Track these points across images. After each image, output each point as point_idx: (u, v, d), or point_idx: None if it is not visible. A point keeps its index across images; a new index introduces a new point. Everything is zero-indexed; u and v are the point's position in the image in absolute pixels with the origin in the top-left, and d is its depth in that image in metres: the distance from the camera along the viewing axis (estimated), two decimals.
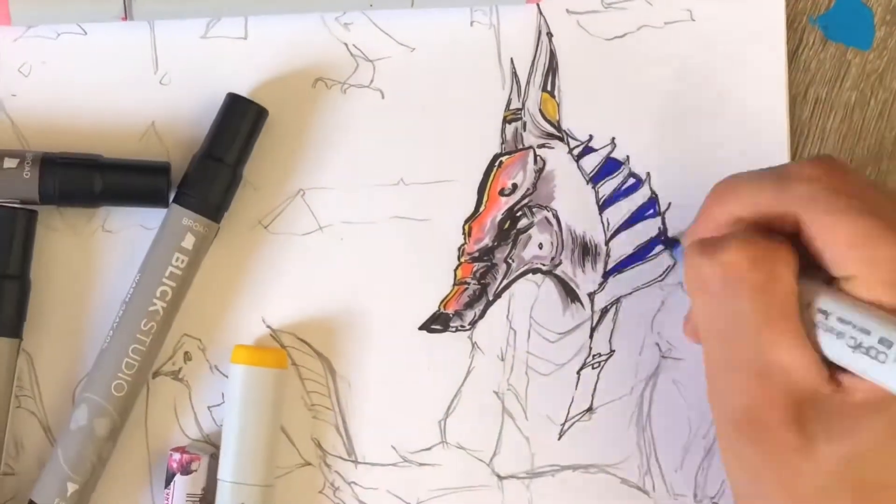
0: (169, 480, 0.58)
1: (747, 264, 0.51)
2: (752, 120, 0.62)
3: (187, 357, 0.60)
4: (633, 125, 0.62)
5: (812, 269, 0.51)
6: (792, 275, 0.51)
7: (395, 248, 0.61)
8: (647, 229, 0.62)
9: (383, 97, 0.61)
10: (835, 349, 0.50)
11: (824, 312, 0.50)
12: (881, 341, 0.49)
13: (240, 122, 0.59)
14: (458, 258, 0.61)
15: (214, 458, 0.59)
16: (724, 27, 0.62)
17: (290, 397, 0.60)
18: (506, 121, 0.61)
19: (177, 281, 0.58)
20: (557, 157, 0.62)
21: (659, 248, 0.62)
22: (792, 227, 0.52)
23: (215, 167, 0.58)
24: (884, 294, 0.49)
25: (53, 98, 0.60)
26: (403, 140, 0.61)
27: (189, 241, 0.58)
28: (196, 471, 0.58)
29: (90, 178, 0.58)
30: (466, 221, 0.61)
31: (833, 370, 0.51)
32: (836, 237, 0.50)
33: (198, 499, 0.58)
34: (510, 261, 0.61)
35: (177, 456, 0.58)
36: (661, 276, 0.62)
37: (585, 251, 0.62)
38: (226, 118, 0.59)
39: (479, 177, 0.61)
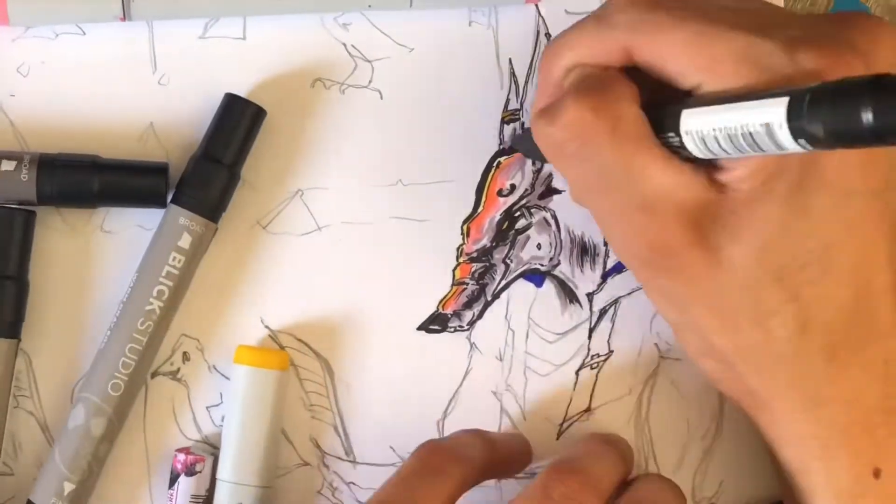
0: (173, 481, 0.58)
1: (590, 116, 0.50)
2: None
3: (186, 357, 0.60)
4: None
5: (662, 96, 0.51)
6: (634, 104, 0.51)
7: (394, 249, 0.61)
8: None
9: (382, 97, 0.61)
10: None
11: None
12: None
13: (237, 122, 0.59)
14: (457, 258, 0.61)
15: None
16: None
17: (289, 397, 0.60)
18: (504, 121, 0.61)
19: (174, 280, 0.58)
20: None
21: None
22: (626, 60, 0.52)
23: (213, 167, 0.58)
24: (734, 85, 0.49)
25: (52, 98, 0.60)
26: (402, 140, 0.61)
27: (186, 241, 0.58)
28: (200, 472, 0.58)
29: (88, 179, 0.58)
30: (465, 222, 0.61)
31: (710, 173, 0.50)
32: (670, 52, 0.50)
33: (202, 500, 0.58)
34: (508, 261, 0.61)
35: (181, 457, 0.58)
36: None
37: (584, 252, 0.62)
38: (223, 118, 0.59)
39: (478, 177, 0.61)
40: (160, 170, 0.58)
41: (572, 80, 0.53)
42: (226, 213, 0.60)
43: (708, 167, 0.51)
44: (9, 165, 0.57)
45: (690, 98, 0.50)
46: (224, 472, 0.58)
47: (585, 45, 0.53)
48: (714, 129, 0.47)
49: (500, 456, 0.57)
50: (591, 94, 0.51)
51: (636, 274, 0.54)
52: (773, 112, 0.44)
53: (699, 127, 0.48)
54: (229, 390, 0.59)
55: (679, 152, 0.50)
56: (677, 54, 0.50)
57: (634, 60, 0.52)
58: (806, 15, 0.58)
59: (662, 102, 0.51)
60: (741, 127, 0.46)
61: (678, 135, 0.49)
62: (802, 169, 0.49)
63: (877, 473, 0.51)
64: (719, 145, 0.48)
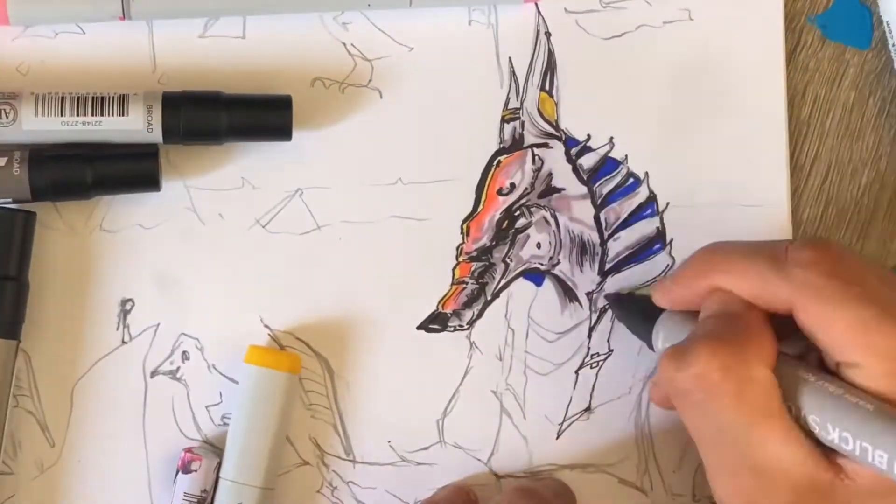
0: (175, 478, 0.58)
1: (718, 375, 0.50)
2: (751, 119, 0.62)
3: (185, 356, 0.60)
4: (631, 124, 0.62)
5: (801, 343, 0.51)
6: (768, 369, 0.50)
7: (394, 248, 0.61)
8: (645, 229, 0.62)
9: (381, 97, 0.61)
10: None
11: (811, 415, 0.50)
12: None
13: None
14: (457, 258, 0.61)
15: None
16: (723, 27, 0.62)
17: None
18: (504, 120, 0.61)
19: None
20: (555, 157, 0.62)
21: (658, 247, 0.62)
22: (783, 309, 0.51)
23: None
24: (886, 385, 0.49)
25: None
26: (401, 139, 0.61)
27: None
28: (196, 471, 0.58)
29: (81, 170, 0.58)
30: (464, 221, 0.61)
31: (831, 456, 0.50)
32: (834, 326, 0.49)
33: (196, 500, 0.58)
34: (508, 260, 0.61)
35: (182, 454, 0.58)
36: (659, 275, 0.62)
37: (584, 251, 0.62)
38: None
39: (478, 176, 0.61)
40: (151, 154, 0.58)
41: (713, 312, 0.52)
42: (226, 213, 0.60)
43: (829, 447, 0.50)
44: (0, 162, 0.57)
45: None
46: (227, 471, 0.58)
47: (750, 281, 0.52)
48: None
49: None
50: (724, 349, 0.50)
51: None
52: None
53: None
54: (237, 389, 0.59)
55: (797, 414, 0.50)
56: (839, 333, 0.50)
57: (793, 316, 0.51)
58: None
59: (798, 361, 0.51)
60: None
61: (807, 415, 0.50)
62: None
63: None
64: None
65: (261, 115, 0.59)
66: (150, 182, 0.58)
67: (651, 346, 0.57)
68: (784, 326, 0.52)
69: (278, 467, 0.59)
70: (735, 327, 0.51)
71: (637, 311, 0.58)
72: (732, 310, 0.52)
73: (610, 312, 0.61)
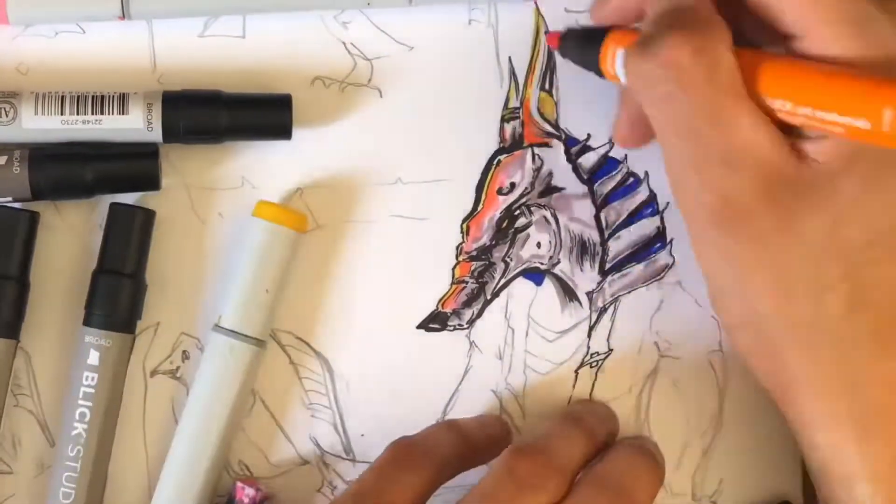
0: None
1: (689, 58, 0.50)
2: None
3: (185, 356, 0.60)
4: None
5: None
6: (731, 51, 0.50)
7: (393, 247, 0.61)
8: (645, 228, 0.62)
9: (381, 96, 0.61)
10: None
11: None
12: None
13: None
14: (456, 257, 0.61)
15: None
16: None
17: (289, 396, 0.60)
18: (504, 119, 0.61)
19: (93, 400, 0.58)
20: (555, 156, 0.62)
21: (658, 246, 0.62)
22: None
23: (114, 280, 0.58)
24: (838, 50, 0.49)
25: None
26: (401, 139, 0.61)
27: (95, 358, 0.58)
28: None
29: (81, 170, 0.58)
30: (464, 220, 0.61)
31: (794, 141, 0.50)
32: None
33: None
34: (508, 260, 0.61)
35: (249, 491, 0.58)
36: (659, 275, 0.62)
37: (584, 250, 0.62)
38: (113, 229, 0.58)
39: (478, 176, 0.61)
40: (152, 154, 0.58)
41: (663, 7, 0.52)
42: (226, 212, 0.60)
43: (792, 132, 0.51)
44: (0, 160, 0.57)
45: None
46: (224, 320, 0.58)
47: None
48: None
49: (474, 446, 0.57)
50: (692, 33, 0.50)
51: (695, 231, 0.53)
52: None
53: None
54: (243, 242, 0.59)
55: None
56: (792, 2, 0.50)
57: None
58: None
59: (746, 48, 0.51)
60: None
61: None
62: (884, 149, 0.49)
63: None
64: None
65: (260, 115, 0.59)
66: (150, 182, 0.58)
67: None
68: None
69: (272, 321, 0.59)
70: (694, 15, 0.51)
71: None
72: (683, 2, 0.52)
73: (610, 311, 0.61)
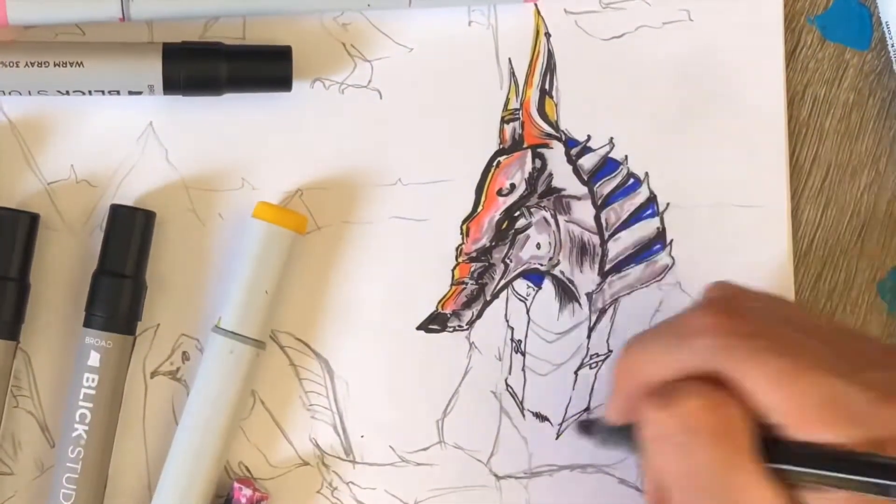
0: None
1: (707, 411, 0.50)
2: (750, 120, 0.62)
3: (185, 357, 0.60)
4: (631, 125, 0.62)
5: None
6: (747, 416, 0.50)
7: (393, 248, 0.61)
8: (645, 229, 0.62)
9: (381, 97, 0.61)
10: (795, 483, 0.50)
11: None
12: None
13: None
14: (456, 258, 0.61)
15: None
16: (722, 27, 0.62)
17: (288, 397, 0.60)
18: (504, 121, 0.61)
19: (93, 401, 0.58)
20: (555, 157, 0.62)
21: (658, 247, 0.62)
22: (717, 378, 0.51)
23: (114, 282, 0.58)
24: (816, 435, 0.49)
25: (51, 99, 0.60)
26: (401, 140, 0.61)
27: (95, 359, 0.58)
28: None
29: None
30: (464, 221, 0.61)
31: (799, 496, 0.50)
32: (753, 388, 0.49)
33: None
34: (508, 261, 0.61)
35: (246, 491, 0.58)
36: (659, 276, 0.62)
37: (583, 251, 0.62)
38: (114, 231, 0.58)
39: (477, 177, 0.61)
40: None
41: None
42: (225, 213, 0.60)
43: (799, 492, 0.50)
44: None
45: (799, 445, 0.50)
46: (224, 321, 0.58)
47: (664, 365, 0.52)
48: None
49: None
50: (710, 389, 0.50)
51: None
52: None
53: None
54: (242, 243, 0.59)
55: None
56: (762, 391, 0.49)
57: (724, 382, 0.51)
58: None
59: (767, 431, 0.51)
60: (846, 481, 0.48)
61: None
62: None
63: None
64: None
65: (261, 66, 0.59)
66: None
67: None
68: None
69: (272, 322, 0.59)
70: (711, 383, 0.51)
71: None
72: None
73: (609, 312, 0.61)
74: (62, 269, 0.60)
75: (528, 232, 0.61)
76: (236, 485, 0.58)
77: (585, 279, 0.62)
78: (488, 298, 0.61)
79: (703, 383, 0.50)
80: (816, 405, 0.49)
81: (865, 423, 0.48)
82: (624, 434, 0.54)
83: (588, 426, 0.59)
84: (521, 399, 0.61)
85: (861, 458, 0.48)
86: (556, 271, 0.61)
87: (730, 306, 0.52)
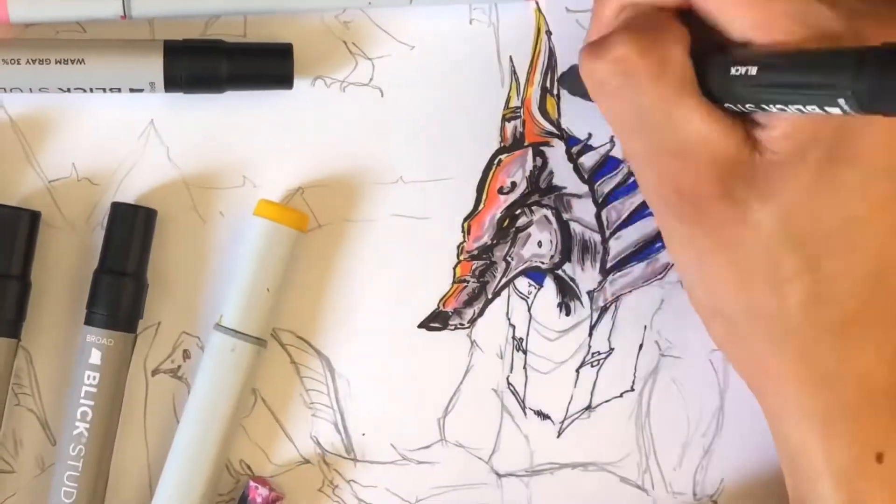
0: None
1: (637, 55, 0.51)
2: None
3: (186, 355, 0.60)
4: None
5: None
6: (684, 50, 0.51)
7: (395, 246, 0.61)
8: (646, 227, 0.62)
9: (382, 95, 0.61)
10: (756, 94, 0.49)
11: (739, 65, 0.49)
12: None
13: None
14: (457, 256, 0.61)
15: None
16: None
17: (290, 395, 0.60)
18: (505, 119, 0.61)
19: (94, 399, 0.58)
20: (557, 155, 0.62)
21: (659, 245, 0.62)
22: (682, 3, 0.52)
23: (115, 280, 0.58)
24: (780, 46, 0.49)
25: (52, 97, 0.60)
26: (402, 138, 0.61)
27: (96, 357, 0.58)
28: None
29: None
30: (465, 219, 0.61)
31: (747, 128, 0.51)
32: (725, 3, 0.50)
33: None
34: (509, 259, 0.61)
35: (263, 491, 0.58)
36: (660, 274, 0.62)
37: (585, 249, 0.62)
38: (115, 228, 0.58)
39: (479, 175, 0.61)
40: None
41: (624, 17, 0.53)
42: (227, 211, 0.60)
43: (745, 122, 0.51)
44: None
45: (741, 49, 0.50)
46: (225, 319, 0.58)
47: None
48: (767, 85, 0.48)
49: None
50: (640, 34, 0.51)
51: (661, 220, 0.54)
52: (837, 76, 0.44)
53: (749, 75, 0.49)
54: (244, 241, 0.59)
55: (720, 103, 0.51)
56: (732, 6, 0.50)
57: (689, 4, 0.52)
58: None
59: (711, 48, 0.51)
60: (795, 85, 0.46)
61: (725, 85, 0.50)
62: (836, 140, 0.49)
63: (879, 458, 0.51)
64: (765, 96, 0.48)
65: (262, 63, 0.59)
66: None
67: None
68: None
69: (273, 320, 0.59)
70: (648, 20, 0.52)
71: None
72: (641, 11, 0.53)
73: (610, 311, 0.61)
74: (63, 266, 0.60)
75: (529, 230, 0.61)
76: (252, 484, 0.58)
77: (587, 277, 0.62)
78: (490, 296, 0.61)
79: (637, 26, 0.51)
80: (789, 19, 0.49)
81: (837, 40, 0.48)
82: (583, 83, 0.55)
83: (563, 75, 0.60)
84: (522, 397, 0.61)
85: (810, 54, 0.47)
86: (557, 269, 0.61)
87: None
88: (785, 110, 0.47)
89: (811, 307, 0.50)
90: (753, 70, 0.48)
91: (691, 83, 0.51)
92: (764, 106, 0.48)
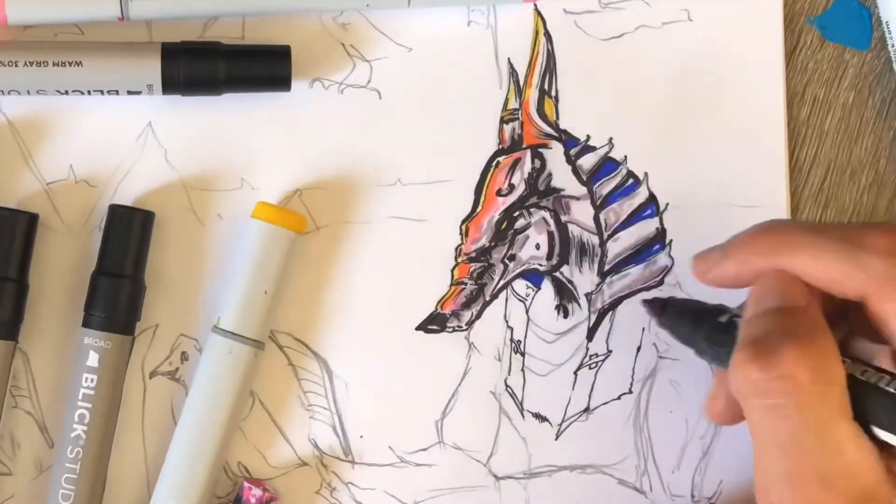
0: None
1: (807, 375, 0.48)
2: (750, 120, 0.62)
3: (184, 357, 0.60)
4: (630, 125, 0.62)
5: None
6: (842, 369, 0.48)
7: (393, 249, 0.61)
8: (644, 230, 0.62)
9: (380, 97, 0.61)
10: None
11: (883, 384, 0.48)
12: None
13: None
14: (455, 258, 0.61)
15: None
16: (722, 27, 0.62)
17: (287, 397, 0.60)
18: (503, 121, 0.61)
19: (92, 402, 0.58)
20: (555, 158, 0.62)
21: (657, 248, 0.62)
22: (853, 297, 0.49)
23: (112, 282, 0.58)
24: None
25: (50, 99, 0.60)
26: (400, 140, 0.61)
27: (94, 359, 0.58)
28: None
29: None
30: (463, 222, 0.61)
31: (890, 463, 0.49)
32: None
33: None
34: (507, 261, 0.61)
35: (257, 492, 0.58)
36: (658, 276, 0.62)
37: (583, 251, 0.62)
38: (112, 231, 0.58)
39: (477, 177, 0.61)
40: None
41: (776, 306, 0.49)
42: (225, 214, 0.60)
43: (885, 454, 0.49)
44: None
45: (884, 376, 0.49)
46: (223, 322, 0.58)
47: (825, 266, 0.49)
48: None
49: None
50: (808, 348, 0.48)
51: None
52: None
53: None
54: (242, 243, 0.59)
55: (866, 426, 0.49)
56: None
57: (866, 309, 0.49)
58: None
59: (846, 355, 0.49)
60: None
61: (879, 409, 0.48)
62: None
63: None
64: None
65: (259, 66, 0.59)
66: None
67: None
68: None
69: (271, 323, 0.59)
70: (808, 324, 0.49)
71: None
72: (798, 303, 0.50)
73: (609, 313, 0.61)
74: (61, 269, 0.60)
75: (527, 232, 0.61)
76: (246, 485, 0.58)
77: (585, 280, 0.62)
78: (487, 299, 0.61)
79: (803, 335, 0.48)
80: None
81: None
82: (698, 333, 0.52)
83: (662, 305, 0.56)
84: (520, 399, 0.61)
85: None
86: (555, 272, 0.61)
87: None
88: None
89: None
90: None
91: (848, 407, 0.48)
92: None
